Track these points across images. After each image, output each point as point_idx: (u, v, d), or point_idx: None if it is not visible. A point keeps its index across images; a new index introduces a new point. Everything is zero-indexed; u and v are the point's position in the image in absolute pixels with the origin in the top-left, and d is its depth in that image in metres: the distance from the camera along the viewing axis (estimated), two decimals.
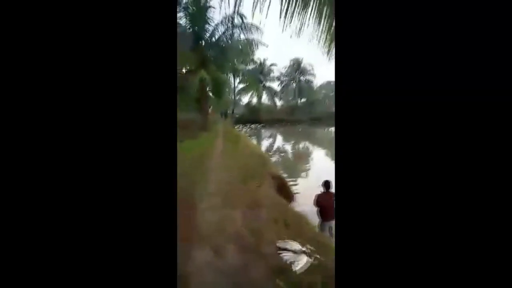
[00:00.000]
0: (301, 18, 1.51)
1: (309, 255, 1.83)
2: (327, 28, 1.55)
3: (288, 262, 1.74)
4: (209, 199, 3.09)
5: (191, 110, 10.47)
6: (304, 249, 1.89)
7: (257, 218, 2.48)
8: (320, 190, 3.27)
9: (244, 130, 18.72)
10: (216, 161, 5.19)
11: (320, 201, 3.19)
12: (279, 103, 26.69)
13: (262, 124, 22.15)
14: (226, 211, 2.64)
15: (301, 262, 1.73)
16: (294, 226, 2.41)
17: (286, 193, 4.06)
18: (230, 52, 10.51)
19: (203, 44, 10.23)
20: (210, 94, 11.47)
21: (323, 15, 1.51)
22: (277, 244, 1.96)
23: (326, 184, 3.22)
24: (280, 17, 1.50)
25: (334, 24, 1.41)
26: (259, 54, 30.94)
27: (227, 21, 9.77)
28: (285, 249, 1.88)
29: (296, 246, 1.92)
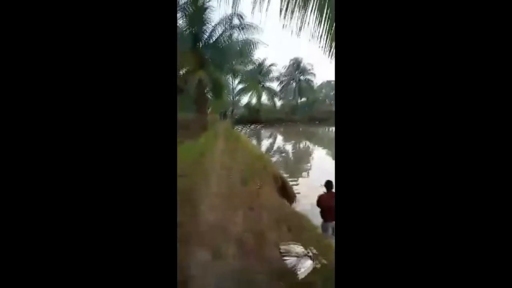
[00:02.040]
0: (301, 16, 1.48)
1: (312, 258, 1.79)
2: (328, 27, 1.52)
3: (292, 266, 1.71)
4: (209, 201, 3.05)
5: (189, 111, 10.44)
6: (307, 252, 1.85)
7: (259, 220, 2.45)
8: (322, 190, 3.23)
9: (244, 130, 18.70)
10: (215, 162, 5.16)
11: (322, 202, 3.15)
12: (279, 103, 26.68)
13: (262, 125, 22.15)
14: (226, 213, 2.60)
15: (305, 266, 1.70)
16: (296, 228, 2.38)
17: (287, 194, 4.02)
18: (228, 53, 10.48)
19: (201, 45, 10.22)
20: (209, 95, 11.48)
21: (324, 13, 1.48)
22: (280, 247, 1.93)
23: (328, 184, 3.18)
24: (280, 16, 1.47)
25: (334, 23, 1.39)
26: (259, 54, 31.04)
27: (225, 22, 9.75)
28: (288, 253, 1.85)
29: (299, 249, 1.88)
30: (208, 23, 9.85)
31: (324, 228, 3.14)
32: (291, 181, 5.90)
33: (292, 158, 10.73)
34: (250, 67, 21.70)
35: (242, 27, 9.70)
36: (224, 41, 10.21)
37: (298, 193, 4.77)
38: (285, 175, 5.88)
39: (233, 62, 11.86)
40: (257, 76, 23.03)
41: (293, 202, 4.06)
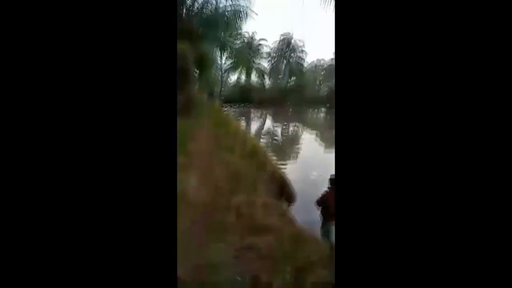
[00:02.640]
0: None
1: None
2: None
3: None
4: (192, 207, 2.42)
5: None
6: None
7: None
8: (327, 187, 2.74)
9: (233, 110, 17.81)
10: (202, 157, 4.47)
11: (327, 199, 2.66)
12: (268, 81, 25.53)
13: (251, 104, 21.24)
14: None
15: None
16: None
17: (287, 194, 3.49)
18: (215, 23, 9.25)
19: (184, 13, 8.92)
20: (195, 72, 10.39)
21: None
22: None
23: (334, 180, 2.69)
24: None
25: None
26: (248, 27, 29.00)
27: None
28: None
29: None
30: None
31: (325, 230, 2.69)
32: (280, 164, 5.51)
33: (281, 141, 10.33)
34: (239, 42, 20.25)
35: None
36: (210, 9, 8.96)
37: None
38: (274, 159, 5.49)
39: (221, 34, 10.63)
40: (247, 52, 21.51)
41: (293, 202, 3.56)
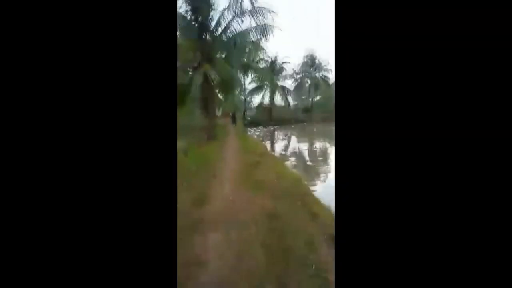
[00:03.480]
0: None
1: None
2: None
3: None
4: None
5: (195, 114, 9.05)
6: None
7: None
8: None
9: (257, 133, 17.27)
10: (229, 185, 3.74)
11: None
12: (292, 102, 24.96)
13: (275, 126, 20.59)
14: None
15: None
16: None
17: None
18: (240, 44, 8.94)
19: (208, 36, 8.79)
20: (219, 95, 10.10)
21: None
22: None
23: None
24: None
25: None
26: (271, 47, 29.38)
27: (234, 6, 8.25)
28: None
29: None
30: (214, 9, 8.41)
31: None
32: (310, 186, 4.84)
33: (308, 160, 9.39)
34: (262, 65, 20.26)
35: (254, 11, 8.15)
36: (234, 29, 8.72)
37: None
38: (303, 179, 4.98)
39: (245, 57, 10.37)
40: (271, 74, 21.32)
41: None
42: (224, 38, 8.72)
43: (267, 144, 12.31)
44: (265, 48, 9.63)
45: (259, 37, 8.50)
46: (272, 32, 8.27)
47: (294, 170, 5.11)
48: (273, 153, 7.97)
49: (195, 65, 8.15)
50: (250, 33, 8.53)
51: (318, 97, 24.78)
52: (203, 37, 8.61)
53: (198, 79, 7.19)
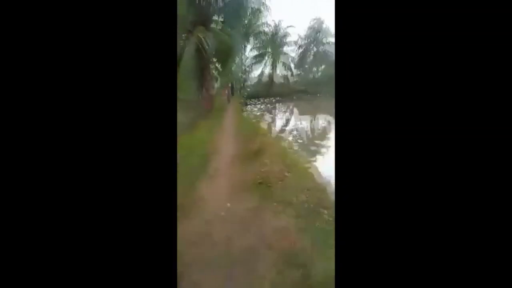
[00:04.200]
0: None
1: None
2: None
3: None
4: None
5: (188, 88, 8.06)
6: None
7: None
8: None
9: (257, 106, 16.33)
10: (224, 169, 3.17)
11: None
12: (295, 72, 23.35)
13: (277, 98, 19.48)
14: None
15: None
16: None
17: None
18: (238, 9, 7.61)
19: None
20: (215, 64, 9.01)
21: None
22: None
23: None
24: None
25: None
26: (273, 16, 26.70)
27: None
28: None
29: None
30: None
31: None
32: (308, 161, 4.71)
33: (310, 135, 9.07)
34: (264, 28, 18.34)
35: None
36: None
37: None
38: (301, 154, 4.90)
39: (246, 19, 9.00)
40: (275, 41, 19.37)
41: None
42: (221, 2, 7.38)
43: (269, 120, 11.57)
44: (268, 8, 8.21)
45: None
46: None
47: (307, 161, 4.36)
48: (278, 134, 7.11)
49: (189, 30, 6.95)
50: None
51: (323, 67, 23.10)
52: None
53: (191, 47, 6.11)
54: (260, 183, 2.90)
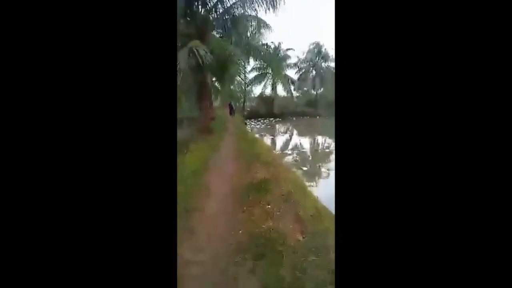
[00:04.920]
0: None
1: None
2: None
3: None
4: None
5: (182, 105, 7.52)
6: None
7: None
8: None
9: (257, 126, 15.86)
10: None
11: None
12: (295, 93, 23.33)
13: (277, 119, 19.13)
14: None
15: None
16: None
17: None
18: (239, 23, 7.37)
19: (202, 11, 7.21)
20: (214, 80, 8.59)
21: None
22: None
23: None
24: None
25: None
26: (273, 38, 27.40)
27: None
28: None
29: None
30: None
31: None
32: (309, 186, 4.23)
33: (310, 157, 8.56)
34: (265, 49, 18.50)
35: None
36: (233, 8, 7.12)
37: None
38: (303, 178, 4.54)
39: (245, 38, 8.76)
40: (275, 60, 19.45)
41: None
42: (221, 17, 7.13)
43: (267, 139, 10.98)
44: (269, 27, 7.96)
45: (265, 8, 6.86)
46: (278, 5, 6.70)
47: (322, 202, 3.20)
48: (288, 165, 5.96)
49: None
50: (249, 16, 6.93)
51: (321, 90, 23.13)
52: (193, 11, 7.02)
53: (183, 57, 5.60)
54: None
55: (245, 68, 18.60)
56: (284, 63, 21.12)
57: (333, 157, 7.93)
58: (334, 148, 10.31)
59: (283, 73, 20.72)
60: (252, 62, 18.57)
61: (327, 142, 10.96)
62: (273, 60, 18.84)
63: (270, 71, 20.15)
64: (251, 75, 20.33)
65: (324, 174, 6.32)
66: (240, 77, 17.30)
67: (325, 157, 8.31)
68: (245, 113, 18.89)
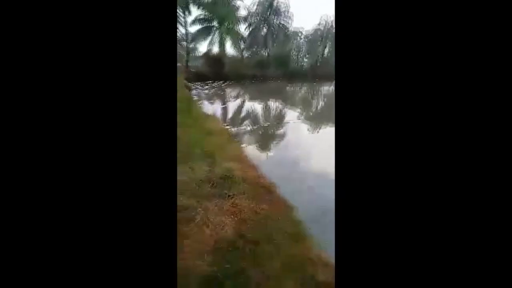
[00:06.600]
0: None
1: None
2: None
3: None
4: None
5: None
6: None
7: None
8: None
9: (205, 90, 13.99)
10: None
11: None
12: (246, 53, 21.38)
13: (227, 82, 17.37)
14: None
15: None
16: None
17: None
18: None
19: None
20: None
21: None
22: None
23: None
24: None
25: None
26: None
27: None
28: None
29: None
30: None
31: None
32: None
33: (263, 124, 7.95)
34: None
35: None
36: None
37: None
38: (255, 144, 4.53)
39: None
40: (223, 10, 16.65)
41: None
42: None
43: (216, 107, 9.67)
44: None
45: None
46: None
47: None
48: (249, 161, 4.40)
49: None
50: None
51: (274, 49, 21.72)
52: None
53: None
54: None
55: (185, 18, 15.47)
56: (233, 16, 18.46)
57: (284, 125, 7.65)
58: (285, 111, 10.16)
59: (233, 27, 18.18)
60: (194, 11, 15.53)
61: (278, 107, 10.51)
62: (221, 10, 16.07)
63: (217, 24, 17.39)
64: (193, 29, 17.26)
65: (278, 141, 6.04)
66: (178, 29, 14.33)
67: (276, 124, 7.77)
68: (190, 75, 16.40)
